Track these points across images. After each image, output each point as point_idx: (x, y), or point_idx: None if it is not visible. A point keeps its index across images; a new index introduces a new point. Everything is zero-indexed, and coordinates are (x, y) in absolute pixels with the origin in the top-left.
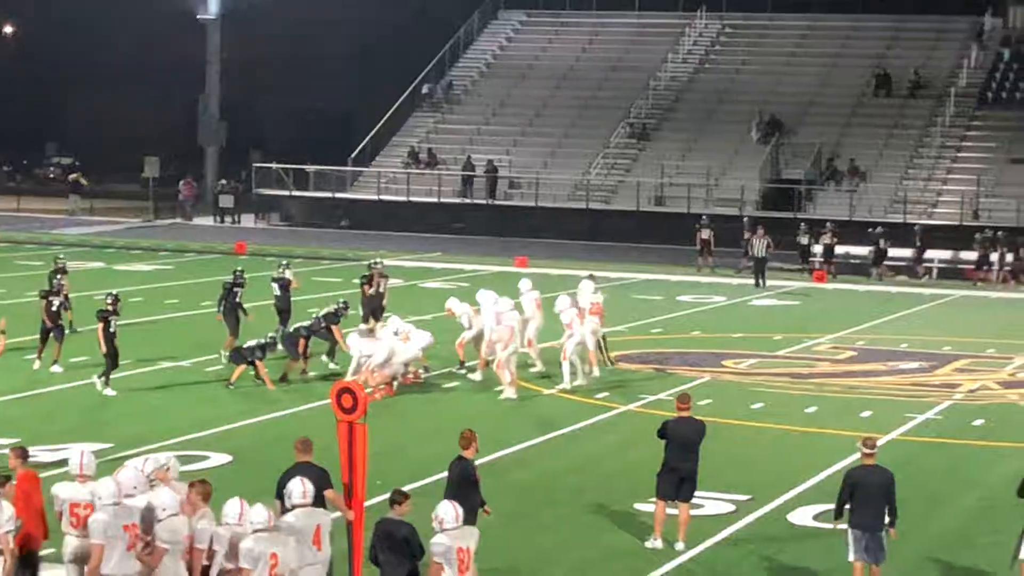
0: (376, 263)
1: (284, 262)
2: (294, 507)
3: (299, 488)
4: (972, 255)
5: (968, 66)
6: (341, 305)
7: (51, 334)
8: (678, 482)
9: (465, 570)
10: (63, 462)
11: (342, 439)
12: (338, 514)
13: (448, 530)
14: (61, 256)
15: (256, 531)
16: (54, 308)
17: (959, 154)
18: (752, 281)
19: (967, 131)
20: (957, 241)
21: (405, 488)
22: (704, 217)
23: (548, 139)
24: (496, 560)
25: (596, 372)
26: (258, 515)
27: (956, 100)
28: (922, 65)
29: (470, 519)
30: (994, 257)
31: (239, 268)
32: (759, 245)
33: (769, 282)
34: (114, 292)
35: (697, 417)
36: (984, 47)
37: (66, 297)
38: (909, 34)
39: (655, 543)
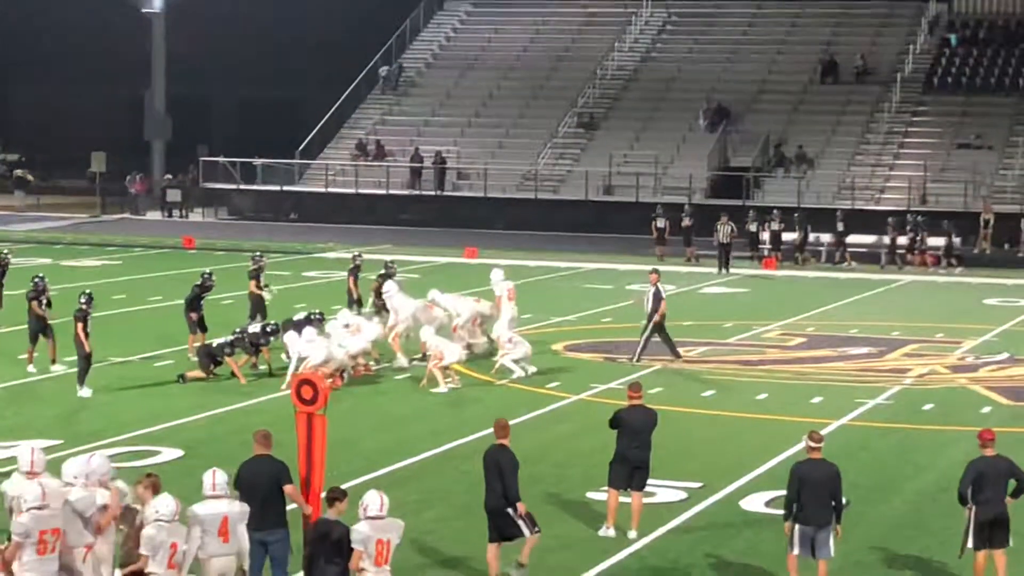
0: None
1: (257, 254)
2: (204, 498)
3: (209, 480)
4: (903, 239)
5: (914, 51)
6: (316, 315)
7: (42, 334)
8: (630, 471)
9: (383, 562)
10: (12, 459)
11: (301, 430)
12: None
13: (371, 518)
14: (6, 251)
15: (158, 520)
16: (42, 310)
17: (906, 140)
18: (715, 268)
19: (914, 117)
20: (904, 226)
21: (359, 480)
22: (659, 207)
23: (496, 129)
24: (451, 550)
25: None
26: (165, 506)
27: (903, 86)
28: (868, 51)
29: (506, 508)
30: (901, 240)
31: (208, 271)
32: (723, 231)
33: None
34: (88, 291)
35: (648, 406)
36: (930, 32)
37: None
38: (855, 20)
39: (608, 531)
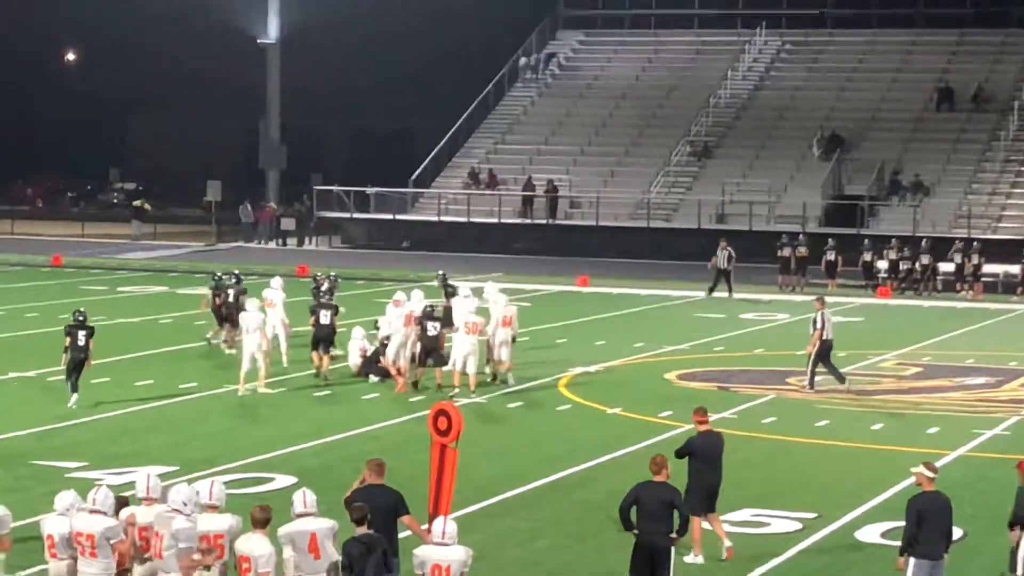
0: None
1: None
2: (296, 516)
3: (299, 499)
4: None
5: None
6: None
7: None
8: (709, 496)
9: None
10: (129, 485)
11: (433, 461)
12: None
13: (436, 544)
14: (333, 273)
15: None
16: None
17: (1023, 168)
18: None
19: None
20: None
21: (470, 508)
22: (784, 236)
23: (608, 158)
24: None
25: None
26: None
27: (1020, 114)
28: (985, 79)
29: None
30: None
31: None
32: (722, 256)
33: (832, 298)
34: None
35: (716, 429)
36: None
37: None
38: (971, 48)
39: (696, 559)
